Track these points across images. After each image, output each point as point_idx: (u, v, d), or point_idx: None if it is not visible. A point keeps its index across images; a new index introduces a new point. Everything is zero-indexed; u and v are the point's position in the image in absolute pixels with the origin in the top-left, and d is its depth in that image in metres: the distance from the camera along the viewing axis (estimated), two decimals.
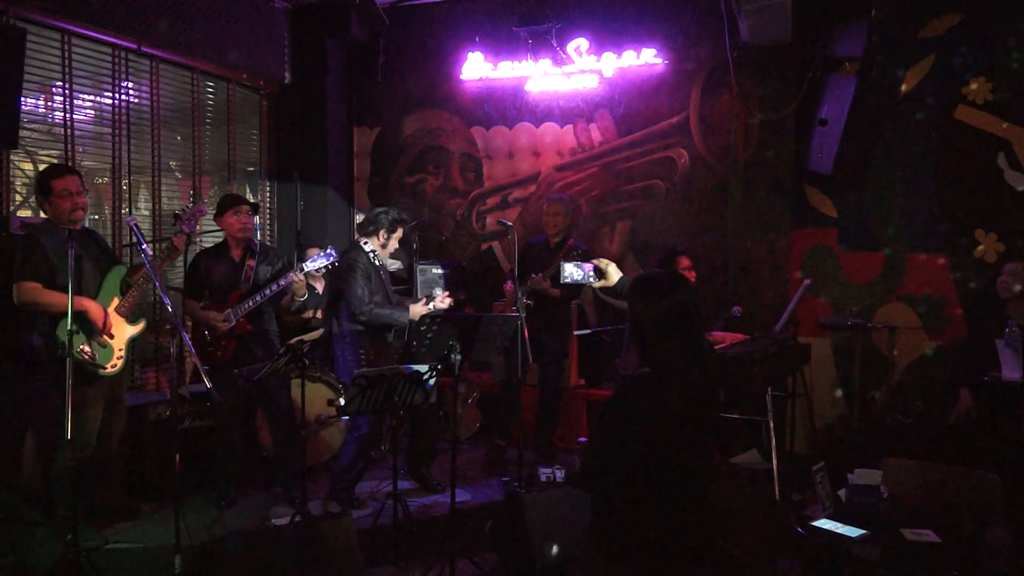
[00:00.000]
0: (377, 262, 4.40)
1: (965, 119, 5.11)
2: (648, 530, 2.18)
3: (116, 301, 3.85)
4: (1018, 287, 4.44)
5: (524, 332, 4.41)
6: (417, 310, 4.34)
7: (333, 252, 4.35)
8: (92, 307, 3.69)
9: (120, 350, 3.85)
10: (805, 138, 5.29)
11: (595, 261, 3.37)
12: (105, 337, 3.77)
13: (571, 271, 3.72)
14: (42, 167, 4.62)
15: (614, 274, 2.94)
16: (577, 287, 5.21)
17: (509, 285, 5.23)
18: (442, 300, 4.38)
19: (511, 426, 5.22)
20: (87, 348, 3.71)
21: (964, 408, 4.41)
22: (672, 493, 2.18)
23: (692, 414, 2.19)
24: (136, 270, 3.93)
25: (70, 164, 4.61)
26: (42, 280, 3.62)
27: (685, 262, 4.97)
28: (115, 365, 3.82)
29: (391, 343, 4.41)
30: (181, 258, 4.47)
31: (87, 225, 3.97)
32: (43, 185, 3.69)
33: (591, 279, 3.73)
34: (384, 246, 4.42)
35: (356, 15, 6.15)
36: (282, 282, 4.24)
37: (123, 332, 3.87)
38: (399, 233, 4.44)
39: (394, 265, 4.50)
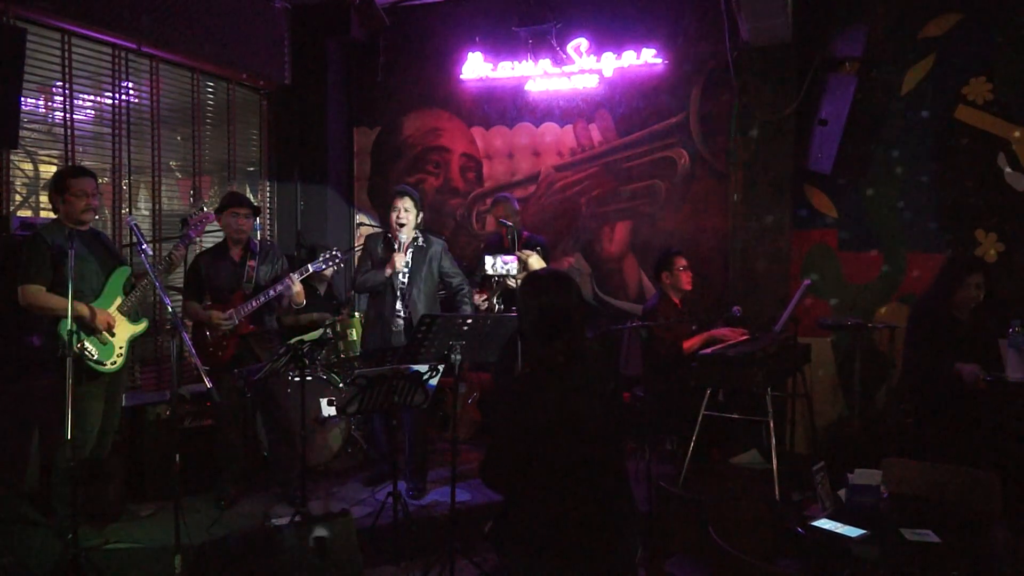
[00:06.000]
0: (395, 243, 4.38)
1: (965, 119, 5.11)
2: (550, 523, 2.20)
3: (119, 300, 3.95)
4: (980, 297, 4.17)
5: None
6: (387, 270, 4.33)
7: (338, 254, 4.38)
8: (89, 312, 3.76)
9: (120, 348, 3.92)
10: (805, 138, 5.28)
11: (518, 253, 3.35)
12: (106, 334, 3.83)
13: (493, 263, 3.69)
14: (43, 167, 4.64)
15: (535, 264, 2.95)
16: None
17: (477, 295, 5.10)
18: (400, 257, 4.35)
19: None
20: (89, 345, 3.77)
21: (971, 378, 4.01)
22: (566, 487, 2.21)
23: (576, 412, 2.21)
24: (140, 273, 4.01)
25: (70, 164, 4.63)
26: (46, 281, 3.70)
27: (682, 262, 4.97)
28: (115, 362, 3.89)
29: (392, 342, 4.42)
30: None
31: (91, 225, 4.00)
32: (60, 183, 3.80)
33: (513, 270, 3.70)
34: (387, 222, 4.43)
35: (356, 15, 6.15)
36: (279, 287, 4.26)
37: (125, 330, 3.95)
38: (393, 203, 4.38)
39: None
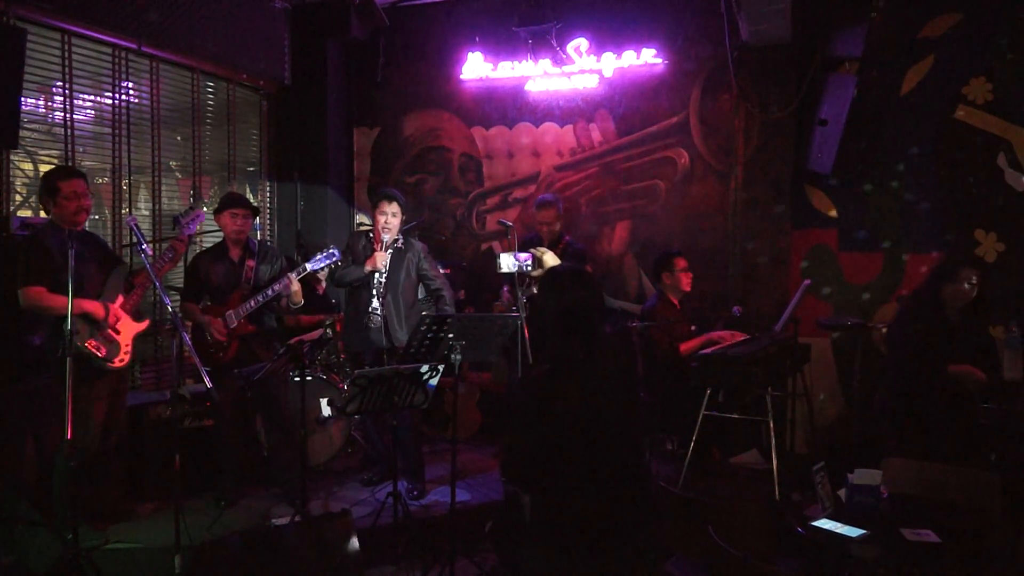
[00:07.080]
0: (376, 243, 4.47)
1: (965, 119, 5.11)
2: (571, 518, 2.21)
3: (121, 299, 3.96)
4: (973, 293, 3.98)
5: (524, 332, 4.41)
6: (368, 266, 4.43)
7: (336, 252, 4.39)
8: (92, 307, 3.77)
9: (127, 346, 3.95)
10: (805, 138, 5.29)
11: (532, 250, 3.32)
12: (111, 332, 3.84)
13: (508, 261, 3.68)
14: (43, 167, 4.63)
15: (551, 261, 2.94)
16: None
17: (506, 292, 5.19)
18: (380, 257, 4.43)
19: None
20: (96, 343, 3.78)
21: (971, 376, 3.86)
22: (585, 482, 2.21)
23: (595, 407, 2.22)
24: (139, 272, 4.00)
25: (70, 164, 4.63)
26: (46, 282, 3.70)
27: (682, 263, 4.98)
28: (123, 360, 3.93)
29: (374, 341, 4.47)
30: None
31: (87, 226, 4.01)
32: (49, 186, 3.77)
33: (528, 268, 3.69)
34: (375, 224, 4.51)
35: (356, 15, 6.15)
36: (277, 287, 4.26)
37: (129, 328, 3.97)
38: (381, 207, 4.48)
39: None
